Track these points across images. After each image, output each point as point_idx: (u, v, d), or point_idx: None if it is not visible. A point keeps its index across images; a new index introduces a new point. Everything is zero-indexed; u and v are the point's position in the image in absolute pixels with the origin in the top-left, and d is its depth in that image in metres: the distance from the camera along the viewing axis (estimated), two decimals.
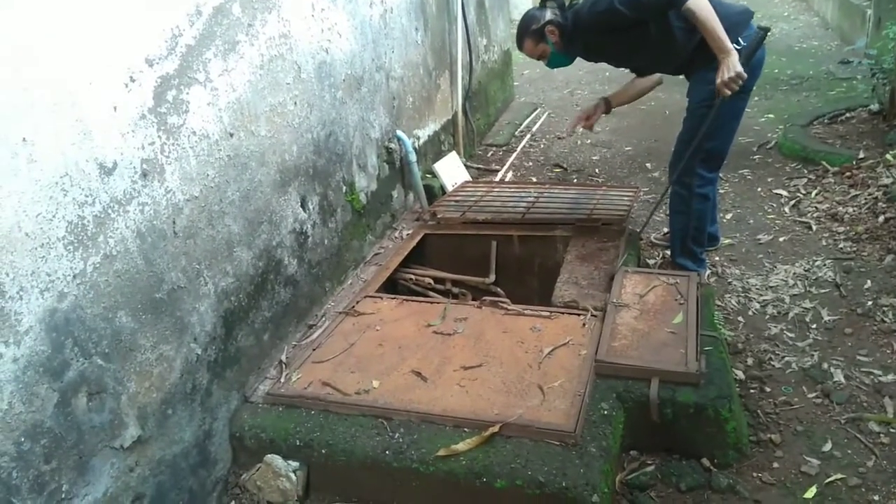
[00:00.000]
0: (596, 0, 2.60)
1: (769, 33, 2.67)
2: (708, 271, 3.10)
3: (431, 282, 3.21)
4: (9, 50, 1.42)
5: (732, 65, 2.48)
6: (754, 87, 2.82)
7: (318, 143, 2.71)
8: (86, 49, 1.60)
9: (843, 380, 2.40)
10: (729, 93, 2.51)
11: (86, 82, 1.61)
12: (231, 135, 2.14)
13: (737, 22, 2.60)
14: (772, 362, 2.53)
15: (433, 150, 4.17)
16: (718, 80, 2.50)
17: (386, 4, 3.35)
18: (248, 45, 2.21)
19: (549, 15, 2.76)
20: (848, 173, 3.87)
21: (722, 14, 2.47)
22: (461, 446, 1.93)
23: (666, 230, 3.37)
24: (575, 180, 4.49)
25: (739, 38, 2.59)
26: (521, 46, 2.89)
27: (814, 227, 3.43)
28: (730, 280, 3.08)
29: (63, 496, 1.59)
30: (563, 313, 2.53)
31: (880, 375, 2.39)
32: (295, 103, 2.52)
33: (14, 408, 1.46)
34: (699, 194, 2.92)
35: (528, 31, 2.81)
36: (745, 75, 2.49)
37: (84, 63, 1.60)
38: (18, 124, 1.45)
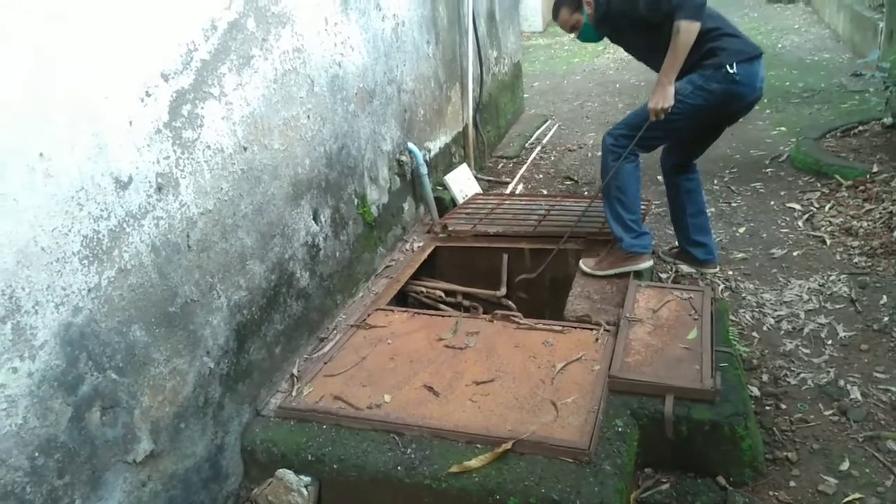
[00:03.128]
0: None
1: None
2: (649, 250, 2.90)
3: (442, 294, 3.20)
4: (26, 65, 1.43)
5: (662, 97, 2.62)
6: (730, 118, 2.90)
7: (330, 156, 2.71)
8: (102, 64, 1.61)
9: (859, 397, 2.37)
10: (654, 118, 2.66)
11: (102, 97, 1.62)
12: (245, 148, 2.15)
13: (740, 49, 2.63)
14: (787, 379, 2.50)
15: (444, 162, 4.17)
16: (651, 103, 2.64)
17: (398, 18, 3.37)
18: (263, 60, 2.23)
19: None
20: (862, 187, 3.85)
21: (734, 38, 2.62)
22: (474, 463, 1.92)
23: (673, 245, 3.35)
24: (586, 192, 4.48)
25: (735, 64, 2.61)
26: (556, 15, 2.94)
27: (828, 242, 3.41)
28: (744, 295, 3.06)
29: None
30: (575, 328, 2.51)
31: None
32: (308, 117, 2.53)
33: (28, 422, 1.46)
34: (627, 164, 2.85)
35: (566, 1, 2.87)
36: (659, 113, 2.64)
37: (100, 78, 1.61)
38: (35, 139, 1.46)
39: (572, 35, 3.04)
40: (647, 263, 2.82)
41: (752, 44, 2.70)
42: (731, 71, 2.60)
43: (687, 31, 2.53)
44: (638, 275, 2.81)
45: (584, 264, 2.89)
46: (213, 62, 1.99)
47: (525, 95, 6.54)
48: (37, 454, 1.48)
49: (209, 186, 1.99)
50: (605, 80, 7.09)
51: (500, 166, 5.10)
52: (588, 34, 2.92)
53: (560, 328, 2.51)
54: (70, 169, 1.54)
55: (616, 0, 2.71)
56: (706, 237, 3.12)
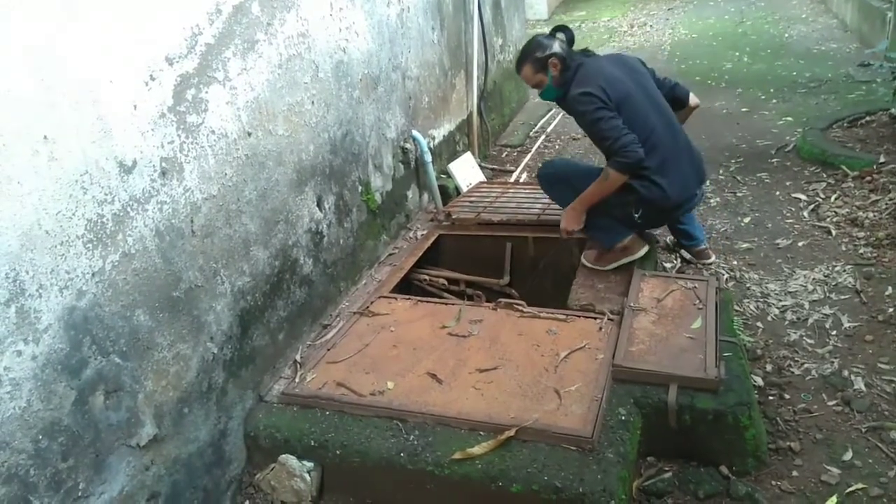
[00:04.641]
0: (580, 95, 2.56)
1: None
2: (629, 234, 2.83)
3: (446, 283, 3.20)
4: (31, 48, 1.42)
5: (571, 221, 2.78)
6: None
7: (334, 142, 2.70)
8: (107, 47, 1.60)
9: (863, 388, 2.36)
10: (565, 237, 2.84)
11: (106, 80, 1.61)
12: (249, 134, 2.14)
13: (657, 199, 2.63)
14: (791, 369, 2.50)
15: (448, 150, 4.16)
16: (562, 223, 2.81)
17: (403, 4, 3.34)
18: (267, 45, 2.21)
19: (556, 47, 2.73)
20: (868, 178, 3.82)
21: (657, 187, 2.61)
22: (477, 450, 1.92)
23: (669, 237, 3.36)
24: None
25: (640, 211, 2.68)
26: (519, 70, 2.85)
27: (833, 232, 3.39)
28: (748, 285, 3.05)
29: (80, 494, 1.59)
30: (579, 317, 2.51)
31: None
32: (312, 103, 2.51)
33: (32, 405, 1.46)
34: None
35: (531, 57, 2.76)
36: (568, 234, 2.81)
37: (105, 61, 1.60)
38: (40, 122, 1.45)
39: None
40: (642, 251, 2.80)
41: (679, 190, 2.65)
42: (634, 215, 2.70)
43: (613, 181, 2.57)
44: (641, 263, 2.80)
45: (586, 258, 2.89)
46: (218, 46, 1.98)
47: None
48: (41, 437, 1.49)
49: (213, 172, 1.99)
50: None
51: (504, 155, 5.08)
52: (550, 95, 2.83)
53: (564, 317, 2.50)
54: (74, 152, 1.53)
55: (572, 98, 2.61)
56: (686, 225, 3.16)
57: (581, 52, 2.80)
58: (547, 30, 3.02)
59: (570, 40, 2.81)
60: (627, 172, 2.54)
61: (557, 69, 2.72)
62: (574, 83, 2.65)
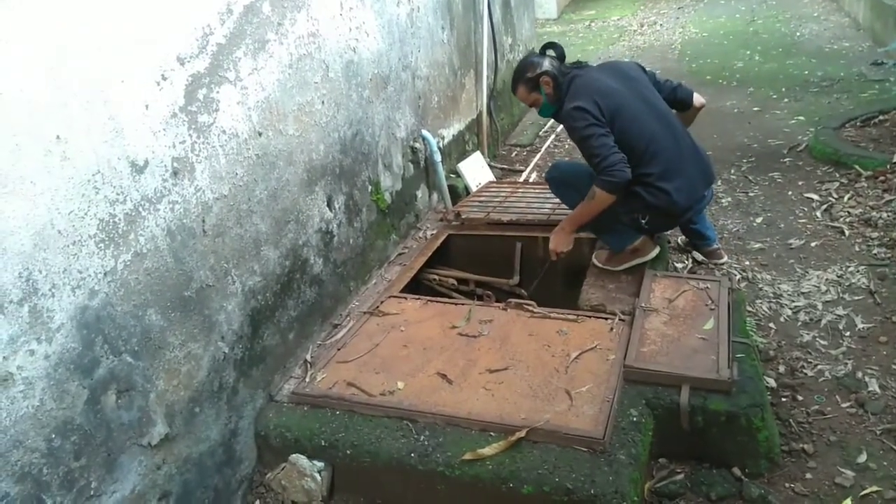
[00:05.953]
0: (572, 110, 2.52)
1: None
2: (638, 237, 2.80)
3: (455, 282, 3.19)
4: (43, 48, 1.43)
5: (560, 242, 2.77)
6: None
7: (344, 142, 2.70)
8: (118, 47, 1.61)
9: (877, 389, 2.34)
10: (554, 258, 2.82)
11: (118, 80, 1.61)
12: (260, 134, 2.14)
13: (665, 205, 2.57)
14: (804, 370, 2.47)
15: (458, 149, 4.15)
16: (551, 245, 2.80)
17: (413, 3, 3.34)
18: (278, 44, 2.21)
19: (546, 65, 2.71)
20: (881, 177, 3.78)
21: (664, 193, 2.55)
22: (487, 450, 1.91)
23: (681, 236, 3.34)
24: None
25: (647, 216, 2.63)
26: (515, 92, 2.85)
27: (846, 233, 3.36)
28: (761, 285, 3.02)
29: (92, 493, 1.59)
30: (589, 317, 2.50)
31: None
32: (322, 102, 2.51)
33: (45, 405, 1.47)
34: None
35: (524, 78, 2.75)
36: (557, 255, 2.79)
37: (116, 61, 1.61)
38: (52, 122, 1.45)
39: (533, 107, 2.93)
40: (653, 253, 2.79)
41: (687, 195, 2.59)
42: (641, 222, 2.65)
43: (600, 200, 2.53)
44: (653, 263, 2.79)
45: (597, 259, 2.87)
46: (229, 46, 1.98)
47: None
48: (53, 436, 1.49)
49: (224, 171, 1.99)
50: None
51: (513, 154, 5.07)
52: (547, 112, 2.82)
53: (574, 317, 2.49)
54: (86, 152, 1.54)
55: (565, 113, 2.58)
56: (698, 225, 3.14)
57: (574, 65, 2.77)
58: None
59: (561, 56, 2.79)
60: (613, 192, 2.50)
61: (550, 86, 2.71)
62: (567, 97, 2.62)
